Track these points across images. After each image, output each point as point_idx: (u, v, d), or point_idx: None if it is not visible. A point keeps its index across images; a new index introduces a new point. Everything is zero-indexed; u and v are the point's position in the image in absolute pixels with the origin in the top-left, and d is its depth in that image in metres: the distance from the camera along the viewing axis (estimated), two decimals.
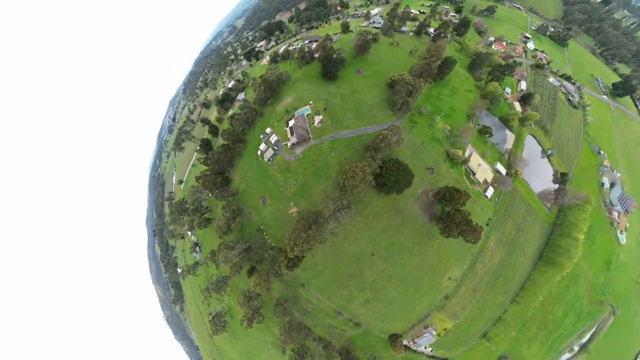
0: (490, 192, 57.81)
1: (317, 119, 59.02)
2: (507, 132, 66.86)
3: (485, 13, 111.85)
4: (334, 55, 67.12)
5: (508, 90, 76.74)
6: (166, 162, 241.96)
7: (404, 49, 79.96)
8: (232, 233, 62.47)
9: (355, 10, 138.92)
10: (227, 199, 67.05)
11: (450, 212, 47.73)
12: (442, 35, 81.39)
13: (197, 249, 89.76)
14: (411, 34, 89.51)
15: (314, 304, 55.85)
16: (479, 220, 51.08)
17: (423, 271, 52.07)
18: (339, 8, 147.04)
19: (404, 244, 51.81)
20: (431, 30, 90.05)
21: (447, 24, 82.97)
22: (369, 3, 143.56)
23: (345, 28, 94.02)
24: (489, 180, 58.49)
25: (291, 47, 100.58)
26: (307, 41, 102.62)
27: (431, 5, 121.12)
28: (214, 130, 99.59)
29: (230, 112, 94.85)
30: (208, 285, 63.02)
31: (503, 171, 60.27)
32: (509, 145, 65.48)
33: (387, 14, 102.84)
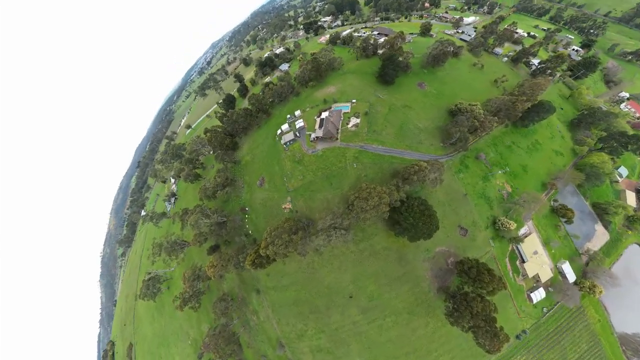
0: (538, 295, 47.53)
1: (353, 121, 57.90)
2: (599, 226, 54.45)
3: (630, 57, 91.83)
4: (400, 58, 65.43)
5: (623, 171, 62.67)
6: (183, 101, 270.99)
7: (488, 75, 73.99)
8: (214, 200, 63.88)
9: (446, 12, 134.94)
10: (226, 164, 69.11)
11: (469, 294, 41.42)
12: (549, 71, 72.01)
13: (172, 200, 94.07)
14: (505, 59, 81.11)
15: (260, 319, 53.33)
16: (507, 325, 42.92)
17: (402, 350, 45.85)
18: (427, 5, 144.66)
19: (393, 304, 46.67)
20: (535, 61, 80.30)
21: (561, 59, 72.43)
22: (465, 8, 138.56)
23: (426, 30, 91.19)
24: (543, 279, 48.63)
25: (356, 34, 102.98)
26: (376, 32, 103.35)
27: (548, 29, 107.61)
28: (243, 90, 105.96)
29: (267, 79, 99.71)
30: (163, 242, 64.68)
31: (571, 277, 49.05)
32: (594, 245, 53.13)
33: (483, 27, 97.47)
